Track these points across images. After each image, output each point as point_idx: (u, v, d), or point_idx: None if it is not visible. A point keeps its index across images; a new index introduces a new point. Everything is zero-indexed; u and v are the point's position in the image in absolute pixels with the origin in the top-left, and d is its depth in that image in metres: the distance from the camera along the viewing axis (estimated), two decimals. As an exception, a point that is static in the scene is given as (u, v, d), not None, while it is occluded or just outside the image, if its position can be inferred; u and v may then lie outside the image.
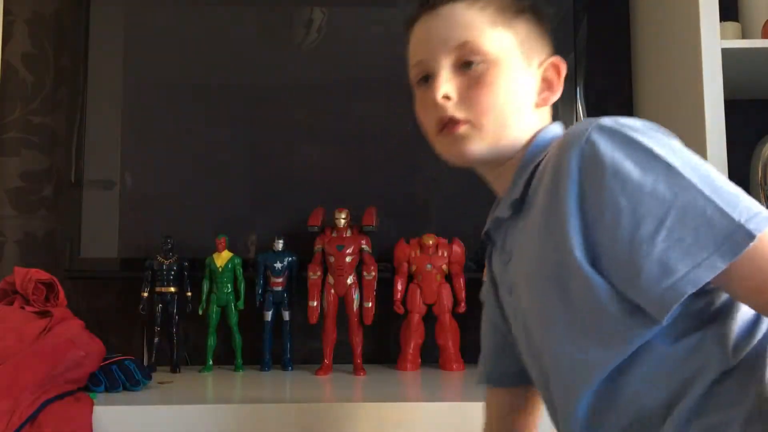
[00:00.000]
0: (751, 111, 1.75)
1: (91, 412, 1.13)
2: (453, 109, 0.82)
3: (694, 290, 0.65)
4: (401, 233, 1.65)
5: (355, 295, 1.58)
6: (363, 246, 1.59)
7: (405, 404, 1.17)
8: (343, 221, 1.58)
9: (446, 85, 0.83)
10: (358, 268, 1.60)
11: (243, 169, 1.78)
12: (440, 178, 1.74)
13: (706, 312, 0.72)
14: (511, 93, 0.83)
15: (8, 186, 1.79)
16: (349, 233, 1.59)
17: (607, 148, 0.69)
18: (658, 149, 0.69)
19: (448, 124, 0.83)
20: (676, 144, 0.71)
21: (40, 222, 1.78)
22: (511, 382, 0.97)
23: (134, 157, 1.75)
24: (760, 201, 1.51)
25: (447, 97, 0.82)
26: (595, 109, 1.80)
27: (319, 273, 1.58)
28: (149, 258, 1.61)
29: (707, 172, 0.68)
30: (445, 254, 1.61)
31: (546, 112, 0.88)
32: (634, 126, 0.71)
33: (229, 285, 1.59)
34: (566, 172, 0.71)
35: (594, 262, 0.71)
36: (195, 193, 1.75)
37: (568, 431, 0.78)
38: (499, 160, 0.85)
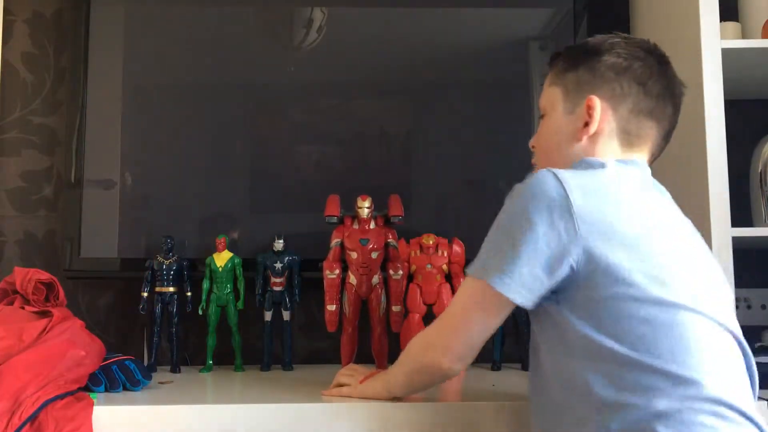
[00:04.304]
0: (751, 111, 1.75)
1: (91, 412, 1.13)
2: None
3: None
4: (401, 233, 1.65)
5: (382, 298, 1.43)
6: (389, 240, 1.44)
7: (405, 404, 1.17)
8: (366, 210, 1.40)
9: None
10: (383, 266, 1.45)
11: (243, 168, 1.78)
12: (440, 178, 1.74)
13: None
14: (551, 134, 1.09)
15: (8, 186, 1.79)
16: (372, 225, 1.43)
17: None
18: None
19: None
20: None
21: (40, 222, 1.78)
22: None
23: (134, 157, 1.75)
24: (760, 201, 1.51)
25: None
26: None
27: (337, 271, 1.42)
28: (149, 258, 1.61)
29: None
30: (445, 254, 1.60)
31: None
32: None
33: (229, 285, 1.59)
34: None
35: None
36: (195, 193, 1.75)
37: None
38: None
